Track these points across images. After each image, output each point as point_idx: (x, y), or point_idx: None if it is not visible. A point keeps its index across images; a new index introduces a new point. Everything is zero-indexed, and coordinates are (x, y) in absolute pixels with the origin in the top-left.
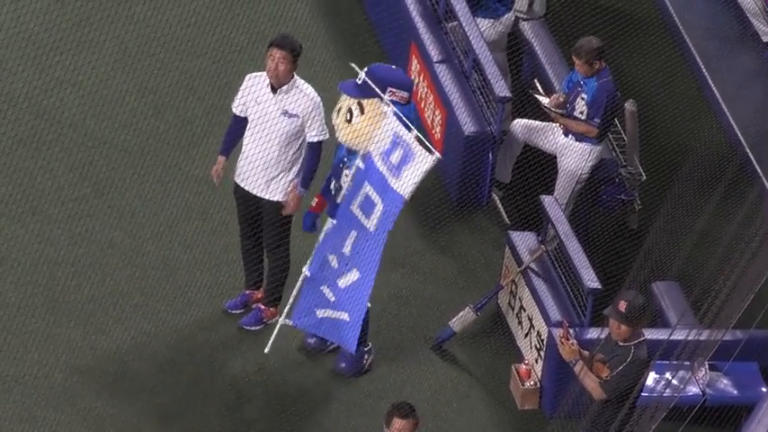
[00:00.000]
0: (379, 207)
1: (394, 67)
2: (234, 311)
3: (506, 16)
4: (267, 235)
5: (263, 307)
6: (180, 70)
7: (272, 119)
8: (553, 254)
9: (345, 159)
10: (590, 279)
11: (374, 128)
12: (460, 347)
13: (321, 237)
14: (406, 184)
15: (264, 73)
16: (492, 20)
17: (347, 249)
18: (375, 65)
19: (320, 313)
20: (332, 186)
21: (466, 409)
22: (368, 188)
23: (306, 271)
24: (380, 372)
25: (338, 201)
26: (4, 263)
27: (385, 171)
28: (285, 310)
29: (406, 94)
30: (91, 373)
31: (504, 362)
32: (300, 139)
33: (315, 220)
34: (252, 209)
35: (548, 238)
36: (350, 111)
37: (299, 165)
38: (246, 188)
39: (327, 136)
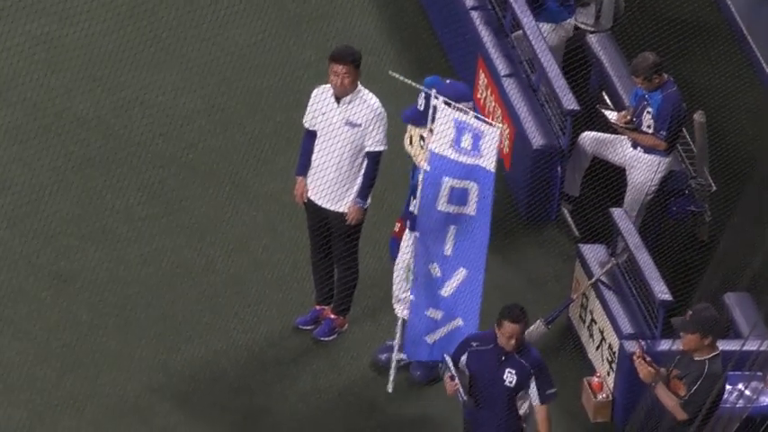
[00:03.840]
0: (474, 190)
1: (448, 81)
2: (304, 327)
3: (568, 21)
4: (336, 246)
5: (333, 317)
6: (247, 88)
7: (336, 129)
8: (624, 266)
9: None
10: (661, 291)
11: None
12: None
13: (410, 257)
14: (488, 159)
15: (330, 85)
16: (553, 24)
17: (448, 249)
18: (431, 82)
19: (430, 338)
20: (412, 207)
21: None
22: (449, 181)
23: (410, 295)
24: None
25: (415, 212)
26: (76, 282)
27: (463, 158)
28: (396, 344)
29: (470, 104)
30: (163, 392)
31: (576, 375)
32: (365, 150)
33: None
34: (322, 222)
35: (618, 251)
36: (422, 137)
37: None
38: (316, 201)
39: (386, 147)
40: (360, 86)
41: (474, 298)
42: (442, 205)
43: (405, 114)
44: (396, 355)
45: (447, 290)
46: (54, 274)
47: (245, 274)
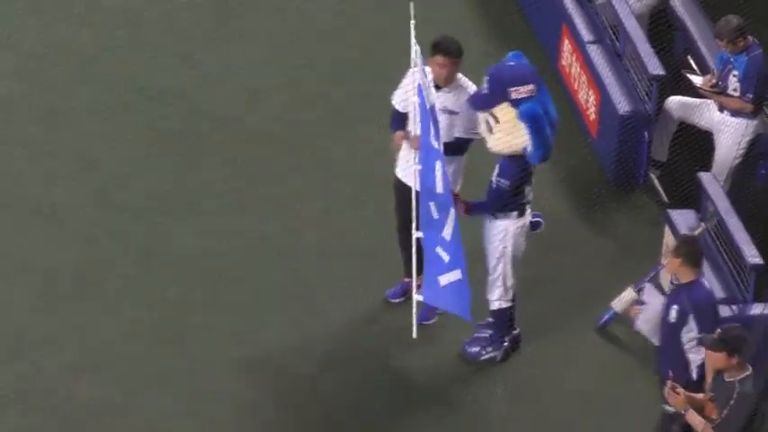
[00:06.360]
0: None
1: (511, 62)
2: (394, 300)
3: None
4: None
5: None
6: (329, 60)
7: None
8: (713, 230)
9: None
10: (752, 255)
11: (513, 131)
12: (624, 328)
13: (420, 189)
14: None
15: (427, 68)
16: None
17: (439, 187)
18: (492, 68)
19: (443, 280)
20: None
21: (631, 388)
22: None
23: (417, 234)
24: (544, 354)
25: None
26: (162, 258)
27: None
28: (414, 284)
29: (530, 87)
30: (252, 366)
31: None
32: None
33: None
34: (409, 200)
35: (707, 215)
36: (487, 122)
37: (458, 160)
38: (406, 181)
39: (478, 136)
40: (459, 75)
41: (462, 251)
42: (431, 138)
43: (469, 101)
44: (415, 295)
45: (446, 232)
46: (141, 249)
47: (331, 246)
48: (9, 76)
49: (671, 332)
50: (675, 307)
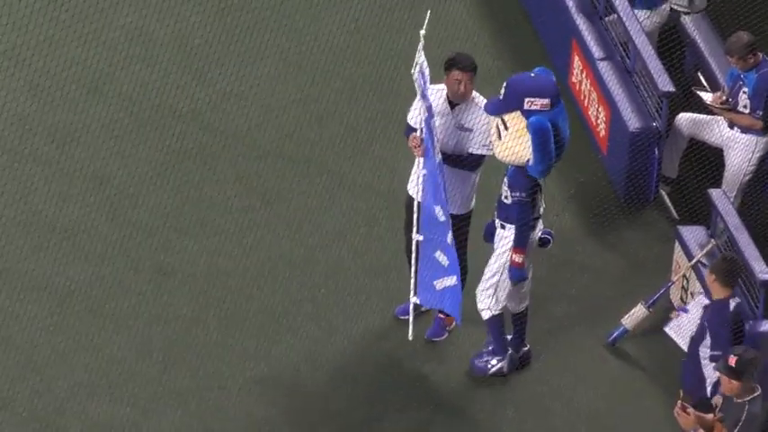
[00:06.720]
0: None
1: (533, 74)
2: (404, 317)
3: (662, 7)
4: None
5: (441, 315)
6: (342, 78)
7: (448, 133)
8: (723, 247)
9: None
10: (762, 271)
11: (520, 141)
12: (634, 344)
13: (422, 195)
14: None
15: (442, 86)
16: (648, 11)
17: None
18: (513, 77)
19: (439, 285)
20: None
21: (641, 405)
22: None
23: (417, 236)
24: (554, 371)
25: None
26: (176, 276)
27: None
28: (412, 287)
29: (545, 101)
30: (265, 383)
31: (678, 357)
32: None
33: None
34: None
35: (717, 232)
36: (497, 128)
37: (473, 176)
38: (418, 198)
39: (491, 152)
40: (473, 92)
41: (456, 257)
42: (437, 152)
43: (484, 105)
44: (412, 298)
45: (449, 237)
46: (154, 267)
47: (344, 264)
48: (23, 94)
49: (691, 345)
50: (698, 321)
